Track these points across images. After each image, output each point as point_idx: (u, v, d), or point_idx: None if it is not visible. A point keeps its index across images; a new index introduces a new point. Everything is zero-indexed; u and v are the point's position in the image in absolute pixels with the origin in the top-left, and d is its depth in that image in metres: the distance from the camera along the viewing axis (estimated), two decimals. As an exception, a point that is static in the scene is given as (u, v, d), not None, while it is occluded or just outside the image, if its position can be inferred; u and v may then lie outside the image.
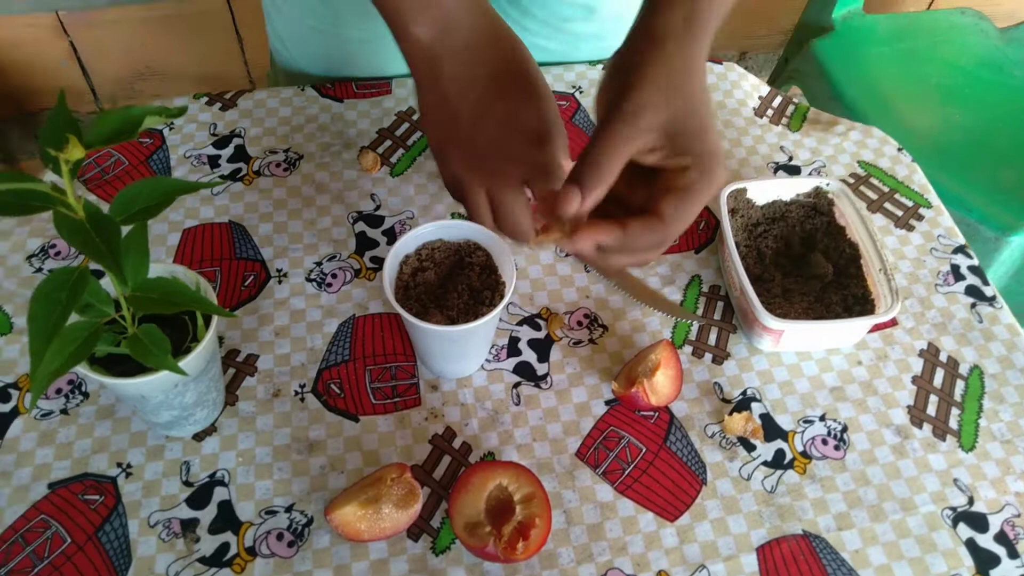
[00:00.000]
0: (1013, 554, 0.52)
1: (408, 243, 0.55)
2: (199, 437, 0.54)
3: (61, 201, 0.40)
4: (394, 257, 0.54)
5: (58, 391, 0.56)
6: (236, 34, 1.49)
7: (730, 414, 0.57)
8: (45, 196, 0.40)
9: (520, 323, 0.62)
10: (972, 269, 0.66)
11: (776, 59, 1.56)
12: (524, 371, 0.59)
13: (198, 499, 0.52)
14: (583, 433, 0.56)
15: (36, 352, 0.40)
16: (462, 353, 0.57)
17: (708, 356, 0.61)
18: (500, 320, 0.62)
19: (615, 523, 0.52)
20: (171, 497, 0.52)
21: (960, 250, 0.68)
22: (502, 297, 0.53)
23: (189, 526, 0.50)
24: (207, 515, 0.51)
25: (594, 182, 0.43)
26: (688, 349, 0.61)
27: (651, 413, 0.58)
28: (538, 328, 0.62)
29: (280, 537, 0.50)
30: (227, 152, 0.71)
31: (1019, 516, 0.53)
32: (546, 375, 0.59)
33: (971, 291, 0.65)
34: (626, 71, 0.45)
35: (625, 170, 0.45)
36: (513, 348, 0.61)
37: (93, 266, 0.62)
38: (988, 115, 1.31)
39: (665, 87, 0.44)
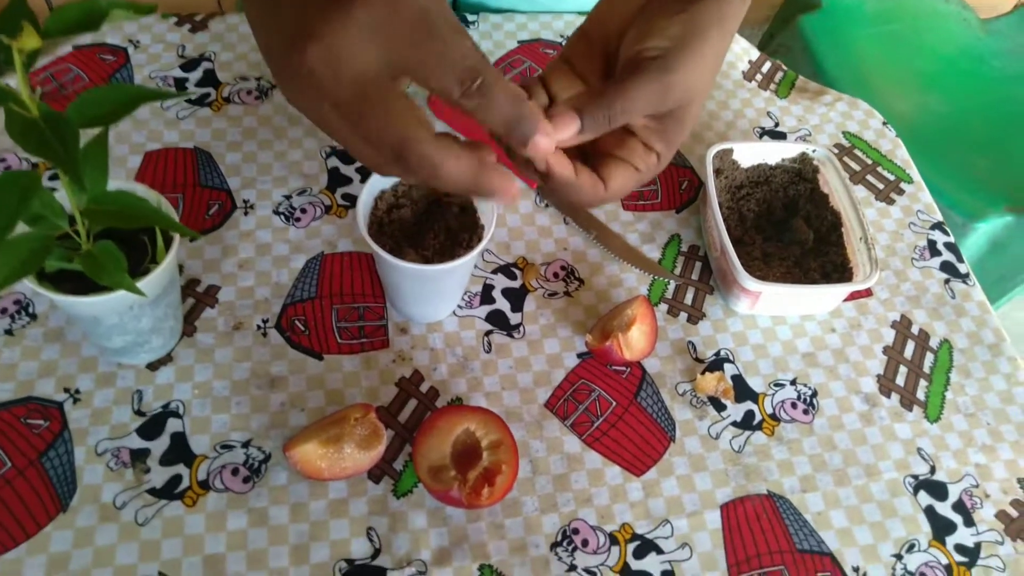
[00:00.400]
0: (969, 522, 0.52)
1: (384, 178, 0.53)
2: (153, 367, 0.52)
3: (13, 97, 0.37)
4: (368, 192, 0.52)
5: (3, 311, 0.52)
6: (209, -38, 1.42)
7: (702, 373, 0.57)
8: (-5, 90, 0.37)
9: (495, 271, 0.60)
10: (948, 246, 0.67)
11: (761, 33, 1.55)
12: (497, 319, 0.58)
13: (150, 429, 0.49)
14: (553, 384, 0.55)
15: (-20, 260, 0.37)
16: (435, 295, 0.55)
17: (683, 315, 0.60)
18: (475, 267, 0.60)
19: (581, 475, 0.52)
20: (121, 426, 0.49)
21: (937, 226, 0.68)
22: (480, 240, 0.51)
23: (139, 456, 0.48)
24: (159, 446, 0.49)
25: (598, 127, 0.38)
26: (664, 307, 0.60)
27: (623, 368, 0.57)
28: (513, 277, 0.60)
29: (235, 472, 0.49)
30: (195, 76, 0.68)
31: (977, 487, 0.54)
32: (519, 325, 0.58)
33: (946, 267, 0.65)
34: (684, 23, 0.38)
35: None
36: (487, 296, 0.59)
37: (47, 183, 0.58)
38: (964, 104, 1.32)
39: (710, 71, 0.39)
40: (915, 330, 0.61)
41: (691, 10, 0.39)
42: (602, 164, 0.41)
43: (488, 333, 0.57)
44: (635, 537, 0.50)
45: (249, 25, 0.37)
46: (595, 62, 0.42)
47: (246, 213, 0.60)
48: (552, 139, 0.35)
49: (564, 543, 0.49)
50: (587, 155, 0.42)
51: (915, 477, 0.54)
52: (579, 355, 0.57)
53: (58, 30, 0.37)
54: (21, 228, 0.42)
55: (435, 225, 0.53)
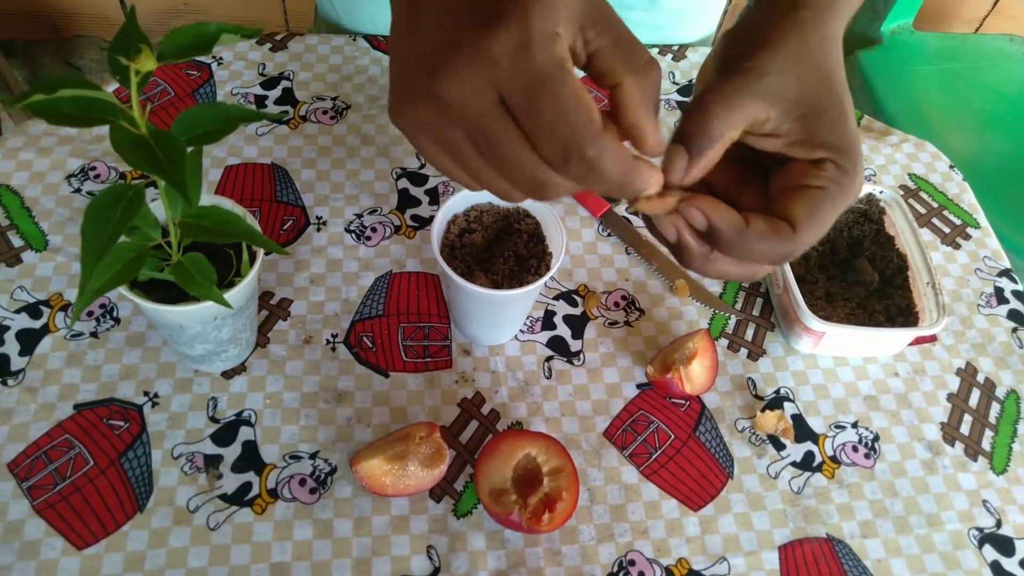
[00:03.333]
0: (1036, 580, 0.51)
1: (457, 203, 0.54)
2: (228, 375, 0.54)
3: (125, 114, 0.39)
4: (442, 216, 0.53)
5: (89, 314, 0.55)
6: (279, -20, 1.47)
7: (762, 411, 0.56)
8: (109, 107, 0.39)
9: (557, 297, 0.61)
10: (1016, 294, 0.66)
11: (819, 67, 1.54)
12: (557, 345, 0.59)
13: (223, 436, 0.51)
14: (612, 413, 0.56)
15: (87, 267, 0.39)
16: (501, 320, 0.56)
17: (744, 351, 0.60)
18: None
19: (638, 506, 0.52)
20: (196, 431, 0.51)
21: (1005, 273, 0.67)
22: (548, 268, 0.52)
23: (213, 462, 0.50)
24: (231, 453, 0.50)
25: (705, 141, 0.33)
26: (724, 342, 0.60)
27: (682, 401, 0.57)
28: (575, 304, 0.61)
29: (303, 483, 0.50)
30: (274, 94, 0.70)
31: (1045, 543, 0.53)
32: (579, 352, 0.59)
33: (1013, 315, 0.64)
34: (749, 33, 0.36)
35: (732, 161, 0.36)
36: (548, 321, 0.60)
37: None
38: (1026, 145, 1.30)
39: (797, 54, 0.35)
40: (981, 378, 0.61)
41: (747, 19, 0.37)
42: (778, 205, 0.35)
43: (549, 359, 0.58)
44: (691, 573, 0.50)
45: (398, 23, 0.35)
46: None
47: (319, 229, 0.62)
48: (659, 181, 0.32)
49: (620, 574, 0.49)
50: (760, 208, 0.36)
51: (980, 530, 0.53)
52: (638, 385, 0.57)
53: (172, 53, 0.39)
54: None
55: (505, 251, 0.54)
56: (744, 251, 0.34)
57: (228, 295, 0.45)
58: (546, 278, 0.51)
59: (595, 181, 0.31)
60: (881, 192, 0.65)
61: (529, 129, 0.31)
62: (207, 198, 0.50)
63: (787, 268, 0.58)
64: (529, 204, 0.54)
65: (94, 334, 0.54)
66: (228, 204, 0.50)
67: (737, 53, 0.36)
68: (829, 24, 0.37)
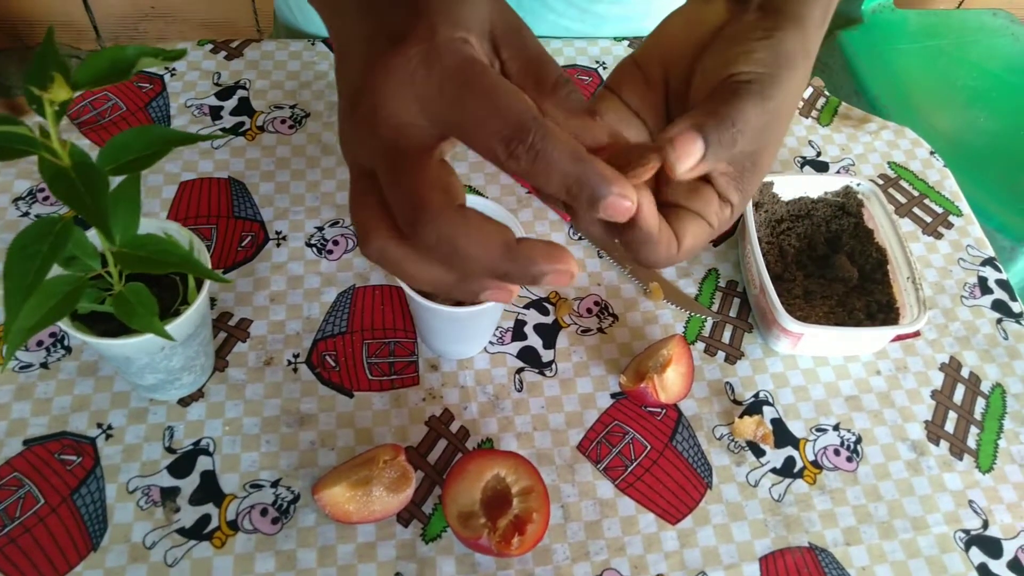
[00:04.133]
0: (1025, 583, 0.50)
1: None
2: (185, 402, 0.52)
3: (45, 146, 0.37)
4: (402, 228, 0.51)
5: (39, 343, 0.53)
6: (247, -19, 1.44)
7: (740, 417, 0.55)
8: (27, 139, 0.37)
9: (527, 306, 0.59)
10: (1000, 283, 0.64)
11: (801, 48, 1.52)
12: (528, 356, 0.57)
13: (180, 467, 0.49)
14: (586, 425, 0.54)
15: (12, 308, 0.37)
16: (467, 335, 0.54)
17: (721, 355, 0.58)
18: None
19: (614, 522, 0.50)
20: (152, 463, 0.49)
21: (989, 262, 0.65)
22: (513, 278, 0.50)
23: (169, 495, 0.48)
24: (189, 485, 0.49)
25: (721, 152, 0.31)
26: (700, 345, 0.59)
27: (658, 410, 0.55)
28: (545, 313, 0.59)
29: (264, 513, 0.48)
30: (230, 104, 0.68)
31: (1033, 544, 0.51)
32: (551, 362, 0.57)
33: (998, 306, 0.63)
34: (770, 48, 0.33)
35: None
36: (518, 332, 0.58)
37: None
38: (1012, 121, 1.28)
39: (792, 108, 0.34)
40: (965, 373, 0.59)
41: (776, 36, 0.33)
42: (674, 218, 0.35)
43: (520, 371, 0.56)
44: (670, 589, 0.48)
45: (337, 66, 0.36)
46: (650, 94, 0.37)
47: (278, 245, 0.60)
48: (633, 201, 0.29)
49: (596, 594, 0.48)
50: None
51: (966, 532, 0.51)
52: (612, 395, 0.56)
53: (88, 81, 0.36)
54: (55, 269, 0.42)
55: (468, 263, 0.52)
56: (640, 249, 0.33)
57: (172, 326, 0.43)
58: (510, 291, 0.49)
59: (544, 174, 0.28)
60: (859, 184, 0.63)
61: (461, 134, 0.29)
62: (153, 223, 0.48)
63: (763, 268, 0.56)
64: (491, 213, 0.53)
65: (44, 365, 0.52)
66: (174, 228, 0.48)
67: (738, 52, 0.33)
68: (814, 56, 0.35)
